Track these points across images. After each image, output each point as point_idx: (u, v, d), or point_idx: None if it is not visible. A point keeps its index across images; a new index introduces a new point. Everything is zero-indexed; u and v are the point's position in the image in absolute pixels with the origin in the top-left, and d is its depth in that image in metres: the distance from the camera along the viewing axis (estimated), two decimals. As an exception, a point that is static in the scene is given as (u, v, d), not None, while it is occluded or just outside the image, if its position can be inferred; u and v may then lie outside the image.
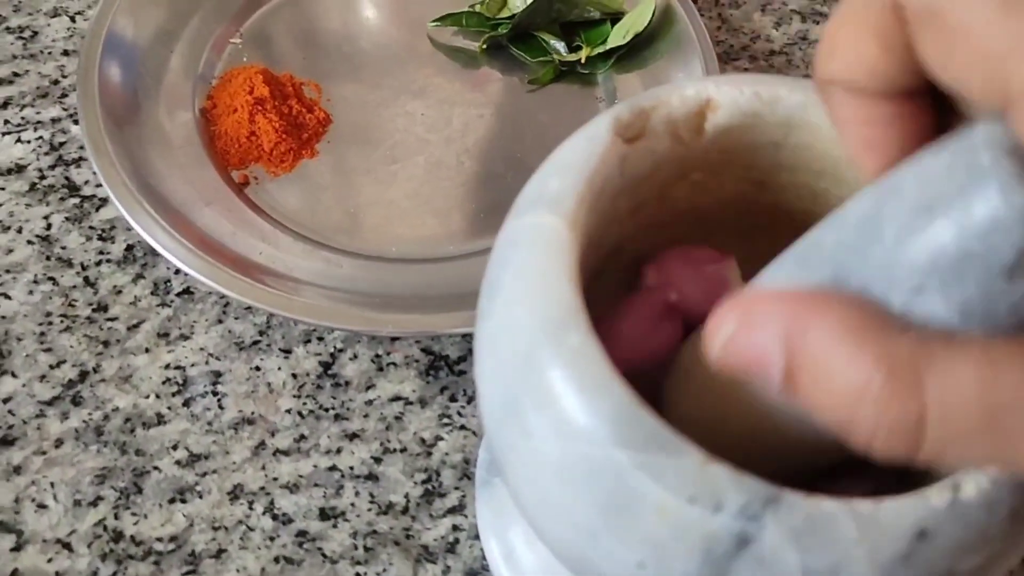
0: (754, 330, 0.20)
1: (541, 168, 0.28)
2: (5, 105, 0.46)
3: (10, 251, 0.42)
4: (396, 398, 0.39)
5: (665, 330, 0.30)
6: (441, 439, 0.38)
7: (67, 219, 0.43)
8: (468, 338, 0.41)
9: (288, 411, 0.39)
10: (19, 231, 0.42)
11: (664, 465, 0.22)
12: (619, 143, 0.28)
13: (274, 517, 0.36)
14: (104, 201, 0.44)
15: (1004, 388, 0.18)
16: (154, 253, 0.42)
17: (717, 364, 0.21)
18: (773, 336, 0.20)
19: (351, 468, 0.38)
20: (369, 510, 0.37)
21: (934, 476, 0.26)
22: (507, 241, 0.27)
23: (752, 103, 0.28)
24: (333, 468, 0.37)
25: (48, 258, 0.42)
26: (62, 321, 0.40)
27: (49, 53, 0.48)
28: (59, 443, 0.37)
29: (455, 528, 0.37)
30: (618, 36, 0.49)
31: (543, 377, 0.24)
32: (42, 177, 0.44)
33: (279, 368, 0.40)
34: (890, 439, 0.19)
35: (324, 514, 0.36)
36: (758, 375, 0.20)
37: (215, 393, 0.39)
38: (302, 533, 0.36)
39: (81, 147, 0.45)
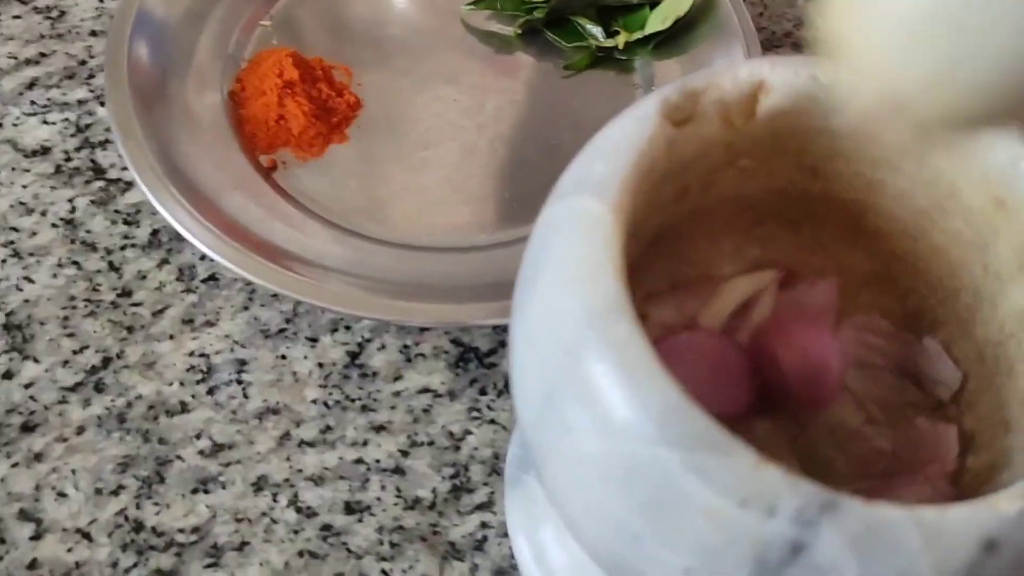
0: None
1: (584, 150, 0.27)
2: (31, 86, 0.45)
3: (34, 234, 0.41)
4: (424, 390, 0.38)
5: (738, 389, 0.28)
6: (470, 433, 0.37)
7: (92, 202, 0.42)
8: (499, 330, 0.40)
9: (314, 401, 0.38)
10: (43, 214, 0.42)
11: (714, 466, 0.21)
12: (667, 126, 0.26)
13: (298, 510, 0.35)
14: (129, 185, 0.43)
15: None
16: (179, 238, 0.41)
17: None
18: None
19: (377, 461, 0.36)
20: (395, 504, 0.36)
21: (997, 484, 0.25)
22: (547, 226, 0.26)
23: (809, 86, 0.27)
24: (359, 461, 0.36)
25: (72, 242, 0.41)
26: (86, 306, 0.39)
27: (77, 33, 0.47)
28: (81, 430, 0.36)
29: (483, 525, 0.35)
30: (657, 21, 0.48)
31: (586, 370, 0.23)
32: (68, 159, 0.43)
33: (305, 357, 0.39)
34: None
35: (349, 508, 0.35)
36: None
37: (240, 382, 0.38)
38: (327, 527, 0.35)
39: (107, 129, 0.44)
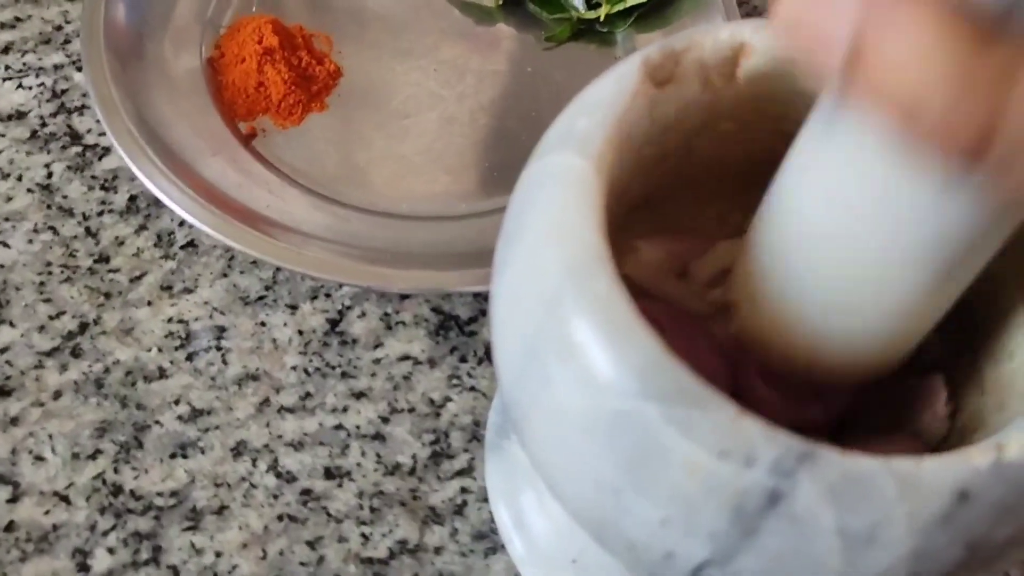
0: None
1: (567, 108, 0.27)
2: (6, 50, 0.45)
3: (9, 199, 0.41)
4: (405, 357, 0.38)
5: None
6: (450, 400, 0.37)
7: (68, 168, 0.42)
8: (480, 298, 0.40)
9: (294, 368, 0.37)
10: (19, 179, 0.41)
11: (695, 418, 0.21)
12: (649, 85, 0.26)
13: (278, 475, 0.35)
14: (106, 151, 0.42)
15: None
16: (158, 204, 0.40)
17: (778, 29, 0.21)
18: (851, 7, 0.19)
19: (357, 427, 0.36)
20: (375, 470, 0.36)
21: (971, 443, 0.25)
22: (529, 183, 0.26)
23: (790, 50, 0.27)
24: (339, 427, 0.36)
25: (49, 207, 0.41)
26: (62, 271, 0.39)
27: (52, -2, 0.46)
28: (58, 395, 0.36)
29: (463, 490, 0.36)
30: (638, -7, 0.47)
31: (566, 325, 0.23)
32: (43, 124, 0.43)
33: (285, 324, 0.38)
34: (955, 135, 0.18)
35: (329, 473, 0.35)
36: (819, 50, 0.20)
37: (219, 348, 0.38)
38: (306, 492, 0.35)
39: (84, 95, 0.44)
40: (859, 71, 0.19)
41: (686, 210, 0.32)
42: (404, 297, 0.39)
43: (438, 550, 0.34)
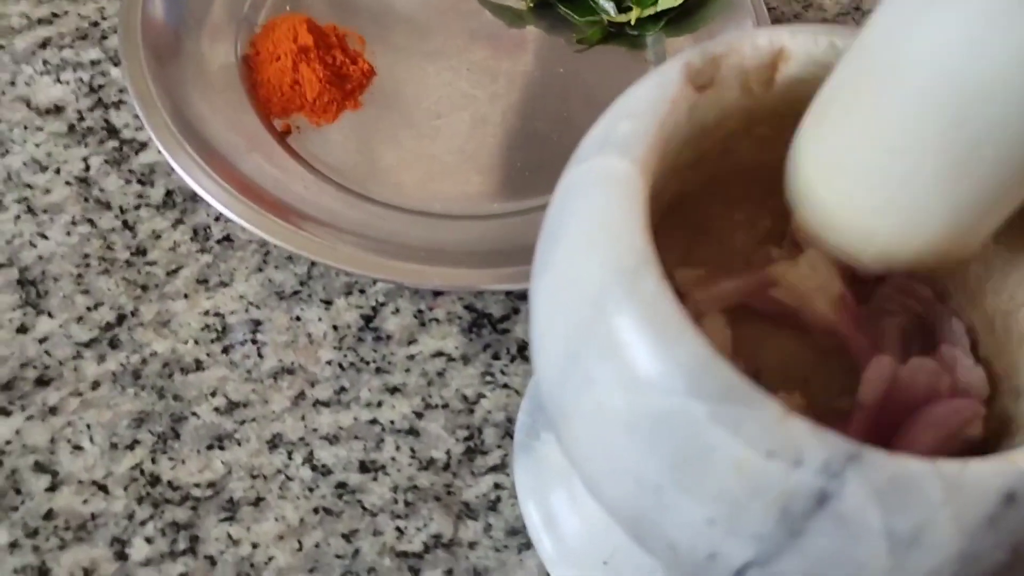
0: None
1: (607, 112, 0.27)
2: (44, 45, 0.45)
3: (48, 191, 0.41)
4: (438, 354, 0.39)
5: None
6: (483, 397, 0.38)
7: (106, 162, 0.42)
8: (512, 296, 0.40)
9: (328, 362, 0.38)
10: (57, 172, 0.42)
11: (742, 417, 0.22)
12: (689, 90, 0.27)
13: (313, 468, 0.36)
14: (143, 145, 0.43)
15: None
16: (194, 199, 0.41)
17: None
18: None
19: (392, 422, 0.37)
20: (410, 465, 0.36)
21: (1009, 447, 0.26)
22: (571, 186, 0.26)
23: (828, 54, 0.27)
24: (374, 421, 0.37)
25: (86, 200, 0.41)
26: (100, 263, 0.39)
27: (90, -7, 0.47)
28: (96, 385, 0.37)
29: (497, 486, 0.36)
30: (669, -3, 0.48)
31: (613, 325, 0.23)
32: (81, 119, 0.43)
33: (320, 319, 0.39)
34: None
35: (364, 467, 0.36)
36: None
37: (255, 341, 0.38)
38: (341, 485, 0.35)
39: (121, 90, 0.44)
40: None
41: (716, 213, 0.32)
42: (437, 294, 0.40)
43: (472, 545, 0.35)
